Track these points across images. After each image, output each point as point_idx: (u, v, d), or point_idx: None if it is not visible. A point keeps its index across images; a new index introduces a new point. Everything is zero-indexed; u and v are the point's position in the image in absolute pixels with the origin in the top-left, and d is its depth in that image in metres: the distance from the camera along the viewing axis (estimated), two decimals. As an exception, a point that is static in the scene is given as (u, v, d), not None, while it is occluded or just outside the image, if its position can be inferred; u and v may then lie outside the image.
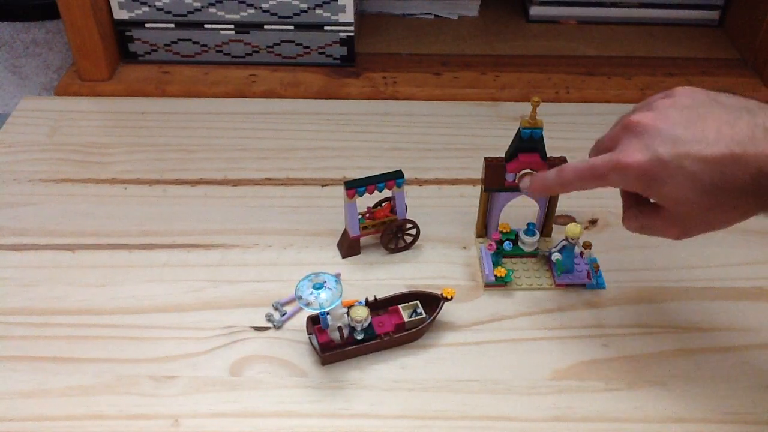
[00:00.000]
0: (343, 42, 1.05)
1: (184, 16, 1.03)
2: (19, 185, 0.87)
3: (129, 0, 1.01)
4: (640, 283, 0.76)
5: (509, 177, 0.73)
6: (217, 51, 1.06)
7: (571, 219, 0.82)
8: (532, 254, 0.77)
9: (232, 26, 1.04)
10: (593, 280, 0.74)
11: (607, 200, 0.85)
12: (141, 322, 0.71)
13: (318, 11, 1.02)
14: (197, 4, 1.02)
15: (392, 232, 0.77)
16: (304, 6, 1.02)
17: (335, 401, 0.64)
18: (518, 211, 0.79)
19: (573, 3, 1.17)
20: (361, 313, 0.65)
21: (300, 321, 0.71)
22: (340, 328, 0.65)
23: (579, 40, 1.14)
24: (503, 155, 0.74)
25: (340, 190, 0.75)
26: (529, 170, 0.73)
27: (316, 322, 0.67)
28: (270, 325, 0.71)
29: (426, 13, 1.20)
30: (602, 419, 0.63)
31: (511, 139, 0.73)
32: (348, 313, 0.66)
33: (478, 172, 0.78)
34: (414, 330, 0.68)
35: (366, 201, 0.77)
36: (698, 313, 0.73)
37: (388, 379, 0.66)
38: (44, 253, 0.78)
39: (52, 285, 0.74)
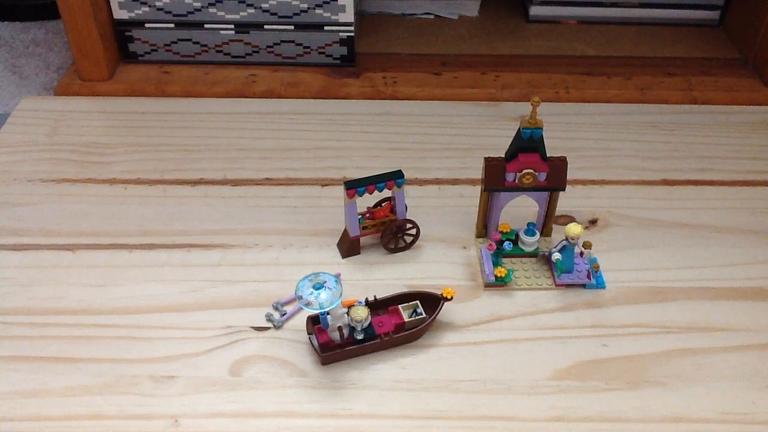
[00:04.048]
0: (343, 42, 1.05)
1: (184, 16, 1.03)
2: (19, 185, 0.87)
3: (129, 0, 1.01)
4: (640, 283, 0.76)
5: (509, 177, 0.73)
6: (217, 51, 1.06)
7: (571, 219, 0.82)
8: (532, 254, 0.77)
9: (232, 26, 1.04)
10: (593, 280, 0.74)
11: (607, 200, 0.86)
12: (141, 322, 0.71)
13: (318, 11, 1.02)
14: (197, 4, 1.02)
15: (392, 232, 0.77)
16: (304, 6, 1.02)
17: (335, 401, 0.64)
18: (518, 211, 0.80)
19: (573, 3, 1.17)
20: (361, 313, 0.65)
21: (300, 321, 0.71)
22: (340, 328, 0.65)
23: (579, 40, 1.14)
24: (503, 155, 0.74)
25: (340, 190, 0.75)
26: (529, 170, 0.73)
27: (316, 322, 0.67)
28: (270, 325, 0.71)
29: (426, 13, 1.20)
30: (602, 419, 0.63)
31: (511, 139, 0.73)
32: (348, 313, 0.66)
33: (478, 172, 0.78)
34: (414, 330, 0.68)
35: (366, 201, 0.77)
36: (698, 313, 0.73)
37: (388, 379, 0.66)
38: (44, 253, 0.78)
39: (52, 285, 0.74)
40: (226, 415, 0.63)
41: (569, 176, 0.80)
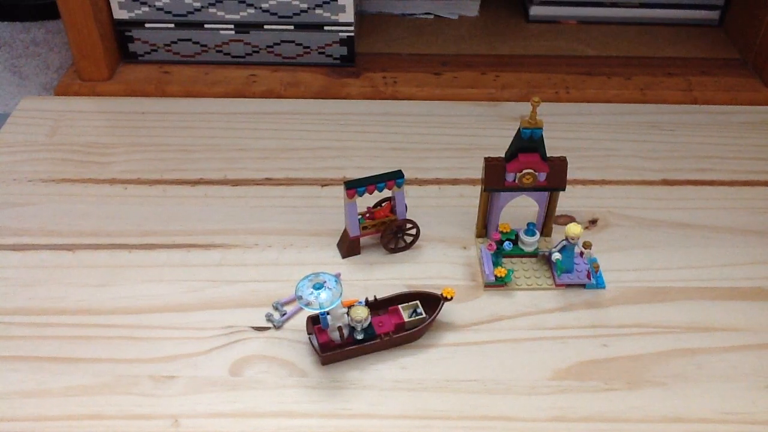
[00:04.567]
0: (343, 42, 1.05)
1: (184, 16, 1.03)
2: (19, 185, 0.87)
3: (129, 0, 1.01)
4: (640, 283, 0.76)
5: (509, 177, 0.73)
6: (217, 51, 1.06)
7: (571, 219, 0.82)
8: (532, 254, 0.77)
9: (232, 26, 1.04)
10: (593, 280, 0.74)
11: (607, 200, 0.86)
12: (141, 322, 0.71)
13: (318, 11, 1.02)
14: (197, 4, 1.02)
15: (392, 232, 0.77)
16: (304, 6, 1.02)
17: (335, 401, 0.64)
18: (518, 211, 0.80)
19: (573, 3, 1.17)
20: (361, 313, 0.65)
21: (300, 321, 0.71)
22: (340, 328, 0.65)
23: (579, 40, 1.14)
24: (503, 155, 0.74)
25: (340, 190, 0.75)
26: (529, 170, 0.73)
27: (316, 322, 0.67)
28: (270, 325, 0.71)
29: (426, 13, 1.20)
30: (602, 419, 0.63)
31: (511, 139, 0.73)
32: (348, 313, 0.66)
33: (478, 172, 0.78)
34: (414, 330, 0.68)
35: (366, 201, 0.77)
36: (698, 313, 0.73)
37: (388, 379, 0.66)
38: (44, 253, 0.78)
39: (52, 285, 0.74)
40: (226, 415, 0.63)
41: (569, 176, 0.80)
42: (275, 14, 1.03)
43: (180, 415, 0.63)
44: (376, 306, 0.69)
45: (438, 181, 0.88)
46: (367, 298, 0.69)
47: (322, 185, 0.87)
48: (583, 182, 0.88)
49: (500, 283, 0.74)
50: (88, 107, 1.00)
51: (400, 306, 0.69)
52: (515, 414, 0.63)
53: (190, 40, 1.05)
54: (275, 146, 0.93)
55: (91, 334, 0.70)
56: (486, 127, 0.97)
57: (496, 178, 0.74)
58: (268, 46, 1.05)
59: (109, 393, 0.64)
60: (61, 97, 1.02)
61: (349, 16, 1.03)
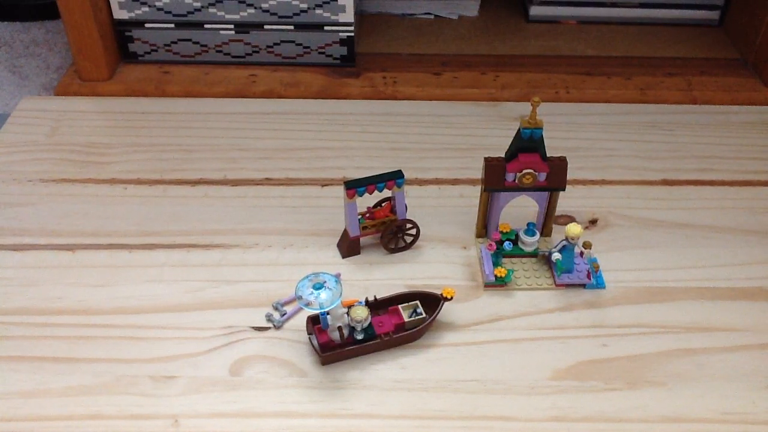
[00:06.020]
0: (343, 42, 1.05)
1: (184, 16, 1.03)
2: (19, 185, 0.87)
3: (129, 0, 1.01)
4: (640, 283, 0.76)
5: (509, 177, 0.73)
6: (217, 51, 1.06)
7: (571, 219, 0.82)
8: (532, 254, 0.77)
9: (232, 26, 1.04)
10: (593, 280, 0.74)
11: (607, 200, 0.86)
12: (141, 322, 0.71)
13: (318, 11, 1.02)
14: (197, 4, 1.02)
15: (392, 232, 0.77)
16: (304, 6, 1.02)
17: (335, 401, 0.64)
18: (518, 211, 0.80)
19: (573, 3, 1.17)
20: (361, 313, 0.65)
21: (300, 321, 0.71)
22: (340, 328, 0.65)
23: (579, 40, 1.14)
24: (503, 155, 0.74)
25: (340, 190, 0.75)
26: (529, 170, 0.73)
27: (316, 322, 0.67)
28: (270, 325, 0.71)
29: (426, 13, 1.20)
30: (602, 419, 0.63)
31: (511, 139, 0.73)
32: (348, 313, 0.66)
33: (478, 172, 0.78)
34: (414, 330, 0.68)
35: (366, 201, 0.77)
36: (698, 313, 0.73)
37: (388, 379, 0.66)
38: (44, 253, 0.78)
39: (52, 285, 0.74)
40: (226, 415, 0.63)
41: (569, 176, 0.80)
42: (275, 14, 1.03)
43: (180, 415, 0.63)
44: (376, 306, 0.69)
45: (438, 181, 0.88)
46: (367, 298, 0.69)
47: (322, 185, 0.87)
48: (583, 182, 0.88)
49: (500, 283, 0.74)
50: (88, 107, 1.00)
51: (400, 306, 0.69)
52: (515, 414, 0.63)
53: (190, 40, 1.05)
54: (275, 146, 0.93)
55: (91, 334, 0.70)
56: (486, 127, 0.97)
57: (496, 178, 0.74)
58: (268, 46, 1.05)
59: (109, 393, 0.64)
60: (61, 97, 1.02)
61: (349, 16, 1.03)
